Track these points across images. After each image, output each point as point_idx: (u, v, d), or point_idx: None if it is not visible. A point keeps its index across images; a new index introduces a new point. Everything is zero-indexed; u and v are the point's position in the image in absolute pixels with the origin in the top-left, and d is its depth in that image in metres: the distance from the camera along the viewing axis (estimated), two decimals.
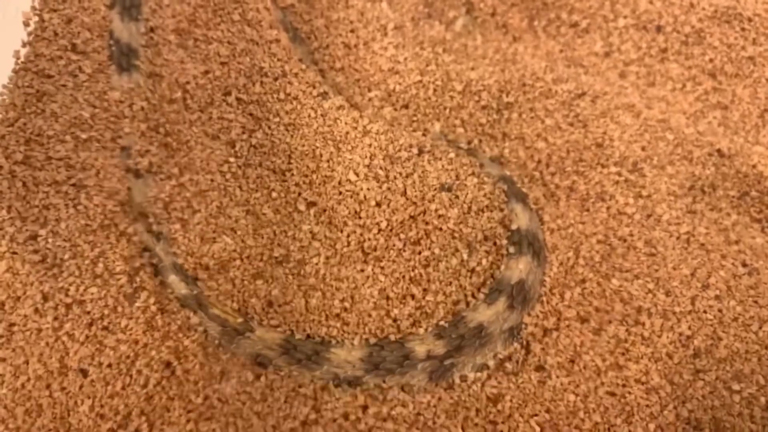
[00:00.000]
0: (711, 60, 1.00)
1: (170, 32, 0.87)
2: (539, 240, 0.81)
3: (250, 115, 0.88)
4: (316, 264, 0.79)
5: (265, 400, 0.70)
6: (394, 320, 0.75)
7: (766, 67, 0.98)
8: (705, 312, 0.76)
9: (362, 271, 0.79)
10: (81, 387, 0.68)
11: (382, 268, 0.78)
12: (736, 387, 0.71)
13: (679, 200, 0.85)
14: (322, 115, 0.88)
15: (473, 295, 0.76)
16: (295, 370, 0.72)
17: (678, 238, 0.82)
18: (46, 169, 0.77)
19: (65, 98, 0.79)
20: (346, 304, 0.76)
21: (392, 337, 0.74)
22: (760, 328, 0.75)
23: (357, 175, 0.84)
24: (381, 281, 0.78)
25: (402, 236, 0.80)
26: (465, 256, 0.78)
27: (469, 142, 0.93)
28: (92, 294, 0.72)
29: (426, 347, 0.73)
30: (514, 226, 0.80)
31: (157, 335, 0.72)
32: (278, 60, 0.90)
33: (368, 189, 0.83)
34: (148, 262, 0.76)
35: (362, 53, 1.00)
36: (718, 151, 0.90)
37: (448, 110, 0.95)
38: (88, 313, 0.71)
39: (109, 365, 0.69)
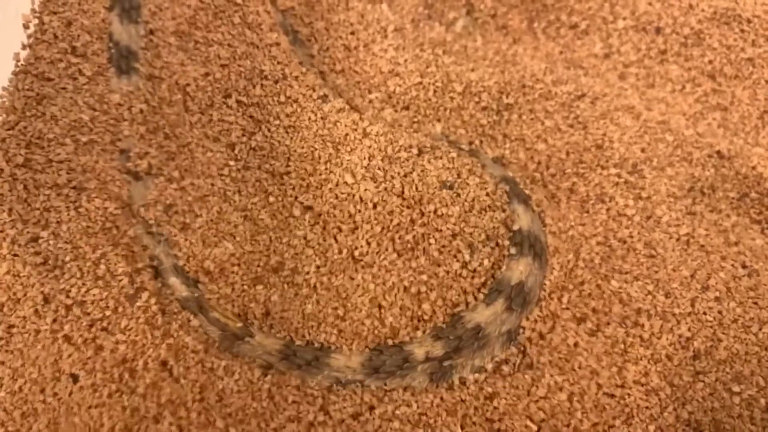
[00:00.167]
0: (710, 61, 1.00)
1: (170, 34, 0.87)
2: (541, 242, 0.81)
3: (251, 117, 0.88)
4: (308, 273, 0.79)
5: (272, 398, 0.71)
6: (391, 328, 0.75)
7: (766, 68, 0.98)
8: (705, 313, 0.76)
9: (352, 279, 0.78)
10: (71, 393, 0.68)
11: (374, 276, 0.78)
12: (736, 389, 0.71)
13: (678, 202, 0.85)
14: (322, 118, 0.88)
15: (474, 296, 0.77)
16: (295, 375, 0.72)
17: (678, 239, 0.82)
18: (46, 171, 0.77)
19: (65, 101, 0.80)
20: (340, 313, 0.76)
21: (390, 342, 0.75)
22: (760, 329, 0.75)
23: (354, 176, 0.83)
24: (372, 290, 0.77)
25: (399, 241, 0.79)
26: (467, 257, 0.78)
27: (470, 143, 0.93)
28: (93, 295, 0.72)
29: (424, 349, 0.73)
30: (515, 227, 0.80)
31: (158, 333, 0.72)
32: (278, 63, 0.90)
33: (365, 190, 0.82)
34: (149, 264, 0.76)
35: (362, 55, 1.00)
36: (718, 152, 0.90)
37: (448, 111, 0.96)
38: (88, 314, 0.71)
39: (103, 371, 0.69)
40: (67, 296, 0.71)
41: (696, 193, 0.87)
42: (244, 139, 0.87)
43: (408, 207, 0.81)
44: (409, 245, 0.79)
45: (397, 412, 0.71)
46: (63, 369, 0.69)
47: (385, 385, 0.72)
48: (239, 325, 0.74)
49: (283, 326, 0.76)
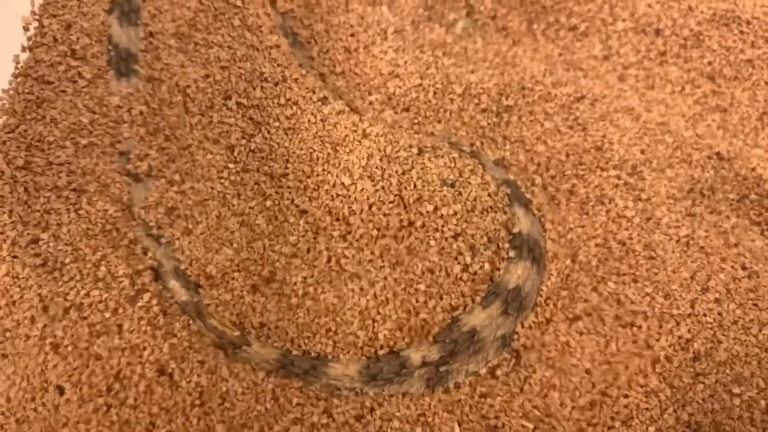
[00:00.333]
0: (710, 63, 1.00)
1: (170, 37, 0.87)
2: (540, 246, 0.81)
3: (250, 119, 0.88)
4: (295, 284, 0.79)
5: (277, 400, 0.71)
6: (385, 340, 0.75)
7: (765, 70, 0.98)
8: (705, 315, 0.76)
9: (340, 292, 0.78)
10: (57, 406, 0.68)
11: (363, 289, 0.78)
12: (736, 390, 0.71)
13: (678, 203, 0.85)
14: (321, 120, 0.88)
15: (471, 299, 0.76)
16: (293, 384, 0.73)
17: (677, 241, 0.82)
18: (46, 174, 0.77)
19: (65, 104, 0.80)
20: (331, 326, 0.76)
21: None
22: (760, 331, 0.75)
23: (351, 176, 0.83)
24: (363, 304, 0.77)
25: (394, 246, 0.79)
26: (468, 259, 0.77)
27: (471, 145, 0.93)
28: (93, 297, 0.72)
29: (421, 354, 0.73)
30: (515, 230, 0.80)
31: (159, 333, 0.72)
32: (278, 65, 0.90)
33: (361, 190, 0.82)
34: (150, 266, 0.77)
35: (362, 57, 1.00)
36: (717, 154, 0.90)
37: (448, 113, 0.96)
38: (85, 318, 0.71)
39: (89, 384, 0.69)
40: (65, 299, 0.71)
41: (696, 194, 0.87)
42: (244, 141, 0.87)
43: (405, 206, 0.81)
44: (405, 250, 0.79)
45: (397, 413, 0.72)
46: (50, 380, 0.69)
47: (383, 392, 0.72)
48: (236, 333, 0.74)
49: (279, 336, 0.76)
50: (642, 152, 0.89)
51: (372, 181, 0.82)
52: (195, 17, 0.89)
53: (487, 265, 0.77)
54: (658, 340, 0.74)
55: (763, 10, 1.01)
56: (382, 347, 0.74)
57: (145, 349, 0.71)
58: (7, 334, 0.70)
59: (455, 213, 0.79)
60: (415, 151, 0.84)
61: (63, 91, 0.80)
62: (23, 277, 0.71)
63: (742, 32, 1.01)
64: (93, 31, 0.84)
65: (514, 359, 0.76)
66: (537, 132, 0.92)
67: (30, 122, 0.78)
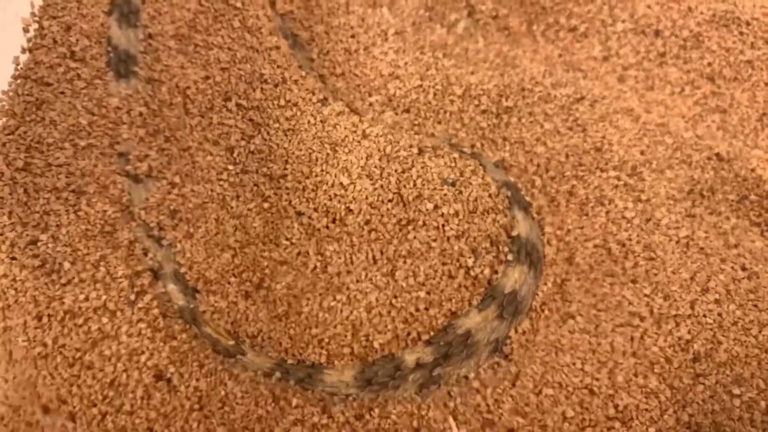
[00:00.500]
0: (709, 64, 1.01)
1: (170, 38, 0.87)
2: (538, 251, 0.80)
3: (250, 120, 0.88)
4: (281, 291, 0.79)
5: (277, 402, 0.71)
6: (380, 349, 0.75)
7: (765, 70, 0.98)
8: (704, 316, 0.76)
9: (326, 303, 0.77)
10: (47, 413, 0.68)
11: (351, 299, 0.77)
12: (736, 391, 0.71)
13: (678, 204, 0.85)
14: (321, 121, 0.88)
15: (469, 303, 0.76)
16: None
17: (677, 242, 0.82)
18: (46, 175, 0.77)
19: (64, 106, 0.80)
20: (323, 338, 0.76)
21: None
22: (760, 331, 0.75)
23: (350, 176, 0.83)
24: (354, 315, 0.76)
25: (394, 247, 0.79)
26: (470, 262, 0.77)
27: (472, 146, 0.93)
28: (91, 300, 0.72)
29: (415, 356, 0.73)
30: (514, 233, 0.80)
31: (159, 336, 0.72)
32: (278, 67, 0.91)
33: (360, 190, 0.82)
34: (149, 267, 0.77)
35: (363, 58, 1.00)
36: (717, 155, 0.90)
37: (448, 114, 0.96)
38: (80, 326, 0.71)
39: (80, 396, 0.69)
40: (62, 303, 0.71)
41: (695, 195, 0.87)
42: (243, 142, 0.87)
43: (404, 204, 0.81)
44: (406, 252, 0.78)
45: (394, 410, 0.72)
46: (41, 393, 0.69)
47: (378, 397, 0.72)
48: (231, 342, 0.74)
49: (273, 346, 0.76)
50: (642, 153, 0.89)
51: (371, 179, 0.82)
52: (195, 19, 0.89)
53: (487, 270, 0.77)
54: (656, 341, 0.74)
55: (762, 11, 1.01)
56: (376, 352, 0.74)
57: (143, 353, 0.71)
58: (3, 338, 0.71)
59: (456, 213, 0.79)
60: (415, 151, 0.84)
61: (62, 93, 0.80)
62: (20, 280, 0.71)
63: (741, 33, 1.01)
64: (92, 33, 0.84)
65: (509, 356, 0.76)
66: (537, 133, 0.92)
67: (29, 124, 0.78)
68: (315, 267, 0.80)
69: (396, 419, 0.71)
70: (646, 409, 0.71)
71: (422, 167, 0.82)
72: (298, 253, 0.81)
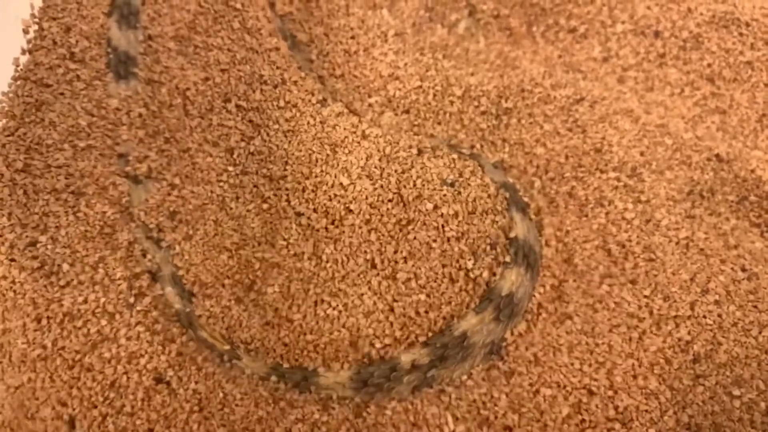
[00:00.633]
0: (709, 65, 1.00)
1: (169, 39, 0.87)
2: (534, 252, 0.80)
3: (250, 122, 0.88)
4: (272, 294, 0.79)
5: (277, 402, 0.71)
6: (377, 352, 0.75)
7: (764, 71, 0.98)
8: (704, 317, 0.76)
9: (318, 309, 0.77)
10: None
11: (346, 305, 0.77)
12: (736, 392, 0.71)
13: (678, 205, 0.85)
14: (321, 122, 0.88)
15: (468, 305, 0.76)
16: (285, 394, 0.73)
17: (677, 243, 0.82)
18: (45, 176, 0.77)
19: (63, 107, 0.80)
20: (318, 344, 0.75)
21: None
22: (760, 332, 0.75)
23: (350, 176, 0.83)
24: (351, 321, 0.76)
25: (393, 249, 0.79)
26: (470, 264, 0.77)
27: (472, 147, 0.93)
28: (90, 303, 0.72)
29: (411, 357, 0.72)
30: (511, 235, 0.79)
31: (158, 339, 0.72)
32: (278, 68, 0.91)
33: (360, 190, 0.81)
34: (148, 269, 0.76)
35: (362, 59, 1.00)
36: (717, 155, 0.90)
37: (448, 115, 0.96)
38: (79, 328, 0.71)
39: (80, 398, 0.69)
40: (60, 305, 0.71)
41: (695, 196, 0.87)
42: (243, 143, 0.87)
43: (404, 204, 0.80)
44: (407, 253, 0.78)
45: (390, 407, 0.72)
46: (41, 395, 0.69)
47: (373, 399, 0.72)
48: (226, 347, 0.74)
49: (267, 352, 0.75)
50: (641, 154, 0.89)
51: (371, 180, 0.82)
52: (194, 20, 0.89)
53: (486, 272, 0.77)
54: (656, 342, 0.74)
55: (762, 12, 1.01)
56: (373, 357, 0.74)
57: (142, 356, 0.70)
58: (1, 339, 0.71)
59: (456, 213, 0.79)
60: (414, 151, 0.84)
61: (62, 94, 0.80)
62: (19, 282, 0.71)
63: (741, 34, 1.01)
64: (92, 34, 0.84)
65: (505, 358, 0.76)
66: (536, 134, 0.92)
67: (29, 125, 0.78)
68: (310, 270, 0.79)
69: (393, 415, 0.71)
70: (646, 410, 0.71)
71: (422, 168, 0.82)
72: (294, 254, 0.81)
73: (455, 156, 0.85)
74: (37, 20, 0.83)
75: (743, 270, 0.79)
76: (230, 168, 0.85)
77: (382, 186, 0.81)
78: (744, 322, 0.75)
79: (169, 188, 0.81)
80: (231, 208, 0.83)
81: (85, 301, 0.72)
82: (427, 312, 0.75)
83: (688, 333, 0.75)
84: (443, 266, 0.77)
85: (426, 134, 0.94)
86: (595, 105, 0.94)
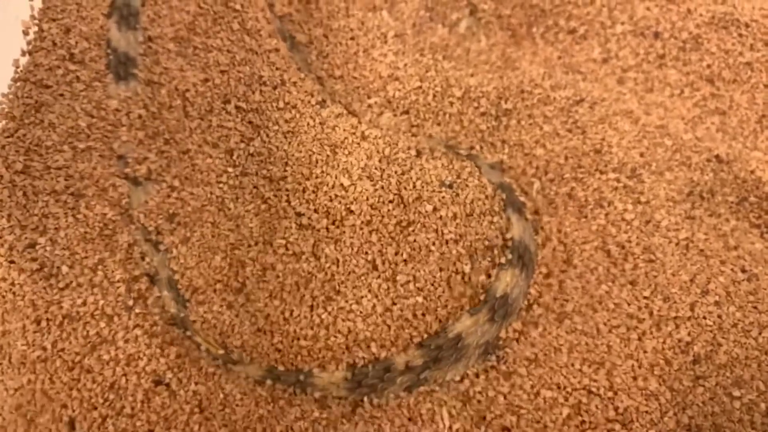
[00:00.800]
0: (709, 66, 1.00)
1: (169, 40, 0.87)
2: (530, 252, 0.80)
3: (249, 123, 0.88)
4: (264, 300, 0.78)
5: (276, 402, 0.71)
6: (371, 354, 0.75)
7: (764, 72, 0.98)
8: (704, 318, 0.76)
9: (326, 312, 0.77)
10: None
11: (344, 308, 0.77)
12: (736, 393, 0.71)
13: (677, 206, 0.85)
14: (320, 123, 0.88)
15: (463, 308, 0.76)
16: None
17: (677, 244, 0.82)
18: (45, 178, 0.77)
19: (63, 108, 0.80)
20: (313, 349, 0.75)
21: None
22: (760, 333, 0.75)
23: (350, 177, 0.83)
24: (346, 326, 0.76)
25: (393, 251, 0.79)
26: (467, 269, 0.77)
27: (471, 148, 0.93)
28: (89, 306, 0.72)
29: (405, 358, 0.73)
30: (508, 236, 0.80)
31: (157, 341, 0.72)
32: (277, 69, 0.91)
33: (361, 191, 0.82)
34: (147, 272, 0.76)
35: (362, 60, 1.00)
36: (717, 156, 0.90)
37: (447, 116, 0.96)
38: (77, 330, 0.71)
39: (79, 399, 0.69)
40: (60, 307, 0.71)
41: (695, 197, 0.87)
42: (243, 144, 0.87)
43: (405, 206, 0.81)
44: (407, 255, 0.79)
45: (387, 405, 0.73)
46: (40, 397, 0.69)
47: (365, 399, 0.73)
48: (221, 352, 0.74)
49: (261, 357, 0.75)
50: (641, 155, 0.89)
51: (371, 181, 0.82)
52: (194, 21, 0.89)
53: (483, 276, 0.77)
54: (656, 343, 0.74)
55: (761, 13, 1.01)
56: (368, 358, 0.74)
57: (141, 358, 0.70)
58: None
59: (454, 215, 0.79)
60: (413, 153, 0.85)
61: (61, 95, 0.80)
62: (18, 284, 0.71)
63: (740, 35, 1.01)
64: (92, 35, 0.84)
65: (503, 357, 0.76)
66: (536, 135, 0.92)
67: (29, 126, 0.78)
68: (308, 271, 0.79)
69: (389, 410, 0.72)
70: (646, 411, 0.71)
71: (420, 169, 0.82)
72: (293, 254, 0.81)
73: (453, 157, 0.85)
74: (36, 21, 0.83)
75: (743, 271, 0.79)
76: (230, 169, 0.85)
77: (382, 187, 0.81)
78: (744, 323, 0.75)
79: (169, 190, 0.81)
80: (229, 209, 0.83)
81: (84, 304, 0.72)
82: (423, 315, 0.75)
83: (688, 334, 0.75)
84: (440, 270, 0.77)
85: (425, 135, 0.94)
86: (594, 106, 0.94)
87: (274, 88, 0.90)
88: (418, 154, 0.84)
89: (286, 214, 0.83)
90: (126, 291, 0.73)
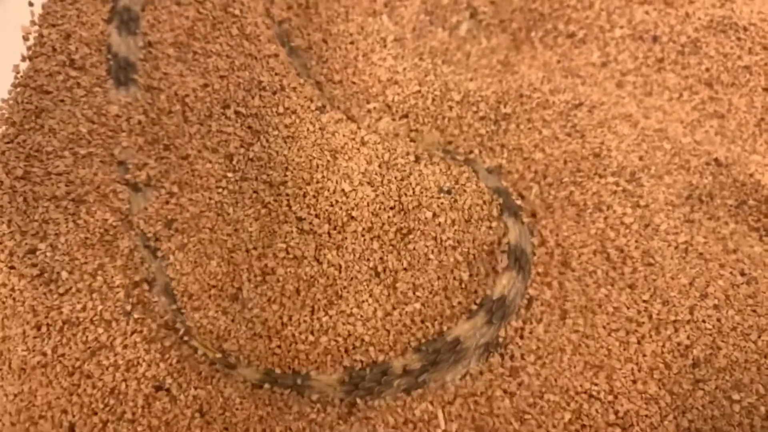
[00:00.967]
0: (707, 69, 1.01)
1: (169, 46, 0.87)
2: (526, 254, 0.81)
3: (249, 128, 0.88)
4: (261, 305, 0.78)
5: (275, 403, 0.71)
6: (369, 358, 0.75)
7: (762, 76, 0.99)
8: (704, 321, 0.76)
9: (326, 315, 0.77)
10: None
11: (343, 312, 0.77)
12: (735, 396, 0.71)
13: (676, 209, 0.85)
14: (320, 129, 0.88)
15: (461, 313, 0.77)
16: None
17: (676, 247, 0.82)
18: (45, 184, 0.77)
19: (63, 114, 0.80)
20: (311, 352, 0.76)
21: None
22: (759, 337, 0.75)
23: (352, 182, 0.83)
24: (346, 330, 0.76)
25: (394, 259, 0.79)
26: (465, 276, 0.78)
27: (470, 152, 0.93)
28: (88, 311, 0.72)
29: (403, 362, 0.73)
30: (504, 240, 0.80)
31: (156, 347, 0.72)
32: (276, 74, 0.91)
33: (362, 197, 0.82)
34: (146, 278, 0.76)
35: (361, 65, 1.00)
36: (716, 160, 0.90)
37: (446, 120, 0.96)
38: (76, 336, 0.71)
39: (80, 404, 0.69)
40: (60, 313, 0.71)
41: (694, 200, 0.87)
42: (242, 150, 0.87)
43: (405, 213, 0.81)
44: (406, 263, 0.79)
45: (384, 403, 0.73)
46: (41, 402, 0.69)
47: (359, 401, 0.73)
48: (218, 356, 0.74)
49: (259, 360, 0.76)
50: (640, 159, 0.89)
51: (372, 186, 0.82)
52: (193, 26, 0.89)
53: (481, 282, 0.78)
54: (655, 347, 0.74)
55: (759, 17, 1.02)
56: (365, 362, 0.75)
57: (140, 364, 0.71)
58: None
59: (453, 222, 0.79)
60: (411, 158, 0.85)
61: (62, 101, 0.80)
62: (19, 289, 0.71)
63: (739, 39, 1.01)
64: (92, 41, 0.84)
65: (504, 354, 0.76)
66: (535, 139, 0.92)
67: (29, 132, 0.78)
68: (309, 275, 0.79)
69: (386, 409, 0.72)
70: (646, 415, 0.71)
71: (419, 175, 0.83)
72: (293, 257, 0.81)
73: (451, 162, 0.85)
74: (37, 27, 0.83)
75: (742, 274, 0.79)
76: (229, 174, 0.85)
77: (383, 193, 0.82)
78: (743, 327, 0.75)
79: (168, 196, 0.81)
80: (228, 214, 0.83)
81: (84, 309, 0.72)
82: (422, 321, 0.75)
83: (688, 337, 0.75)
84: (438, 278, 0.77)
85: (423, 140, 0.94)
86: (593, 110, 0.94)
87: (274, 93, 0.90)
88: (417, 159, 0.85)
89: (287, 218, 0.83)
90: (125, 296, 0.73)
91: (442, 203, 0.81)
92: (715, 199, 0.88)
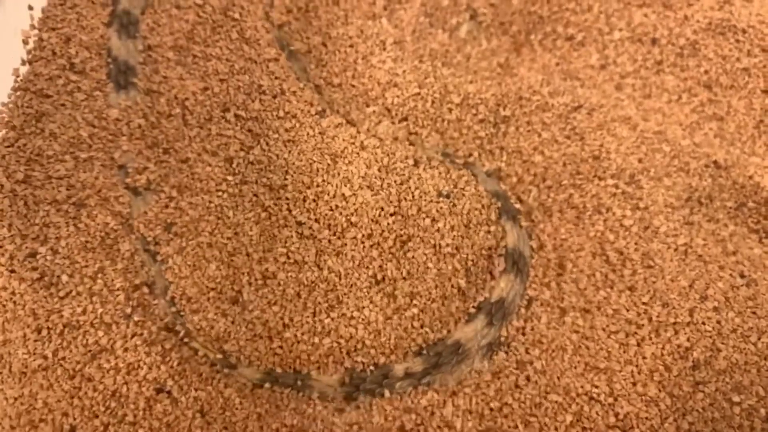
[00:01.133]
0: (706, 72, 1.01)
1: (168, 49, 0.87)
2: (524, 257, 0.81)
3: (249, 131, 0.88)
4: (261, 308, 0.79)
5: (274, 402, 0.71)
6: (369, 360, 0.75)
7: (761, 78, 0.99)
8: (703, 323, 0.76)
9: (327, 317, 0.77)
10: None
11: (344, 314, 0.77)
12: (736, 399, 0.71)
13: (676, 212, 0.86)
14: (320, 133, 0.88)
15: (460, 319, 0.77)
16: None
17: (675, 249, 0.82)
18: (46, 188, 0.77)
19: (63, 118, 0.80)
20: (312, 353, 0.76)
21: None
22: (759, 339, 0.75)
23: (352, 186, 0.83)
24: (348, 332, 0.76)
25: (393, 269, 0.79)
26: (462, 283, 0.78)
27: (469, 155, 0.93)
28: (89, 314, 0.72)
29: (404, 365, 0.73)
30: (503, 244, 0.80)
31: (157, 350, 0.72)
32: (276, 78, 0.91)
33: (362, 202, 0.82)
34: (146, 281, 0.77)
35: (361, 68, 1.00)
36: (715, 162, 0.90)
37: (446, 123, 0.96)
38: (76, 339, 0.71)
39: (81, 407, 0.69)
40: (60, 316, 0.71)
41: (693, 203, 0.87)
42: (242, 153, 0.87)
43: (405, 218, 0.81)
44: (405, 272, 0.79)
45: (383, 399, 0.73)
46: (42, 405, 0.69)
47: (363, 402, 0.73)
48: (219, 356, 0.74)
49: (259, 360, 0.76)
50: (639, 161, 0.89)
51: (372, 191, 0.82)
52: (193, 30, 0.89)
53: (479, 289, 0.78)
54: (655, 349, 0.74)
55: (758, 19, 1.02)
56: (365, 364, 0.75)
57: (140, 367, 0.71)
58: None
59: (452, 227, 0.80)
60: (411, 162, 0.85)
61: (62, 105, 0.81)
62: (19, 293, 0.71)
63: (737, 41, 1.01)
64: (92, 45, 0.84)
65: (507, 352, 0.77)
66: (534, 142, 0.93)
67: (29, 136, 0.79)
68: (310, 279, 0.80)
69: (387, 403, 0.72)
70: (647, 417, 0.71)
71: (418, 179, 0.83)
72: (294, 262, 0.81)
73: (450, 166, 0.85)
74: (36, 31, 0.84)
75: (742, 276, 0.79)
76: (229, 177, 0.85)
77: (383, 198, 0.82)
78: (743, 329, 0.76)
79: (167, 200, 0.81)
80: (228, 217, 0.83)
81: (84, 312, 0.72)
82: (422, 326, 0.76)
83: (688, 339, 0.75)
84: (437, 286, 0.78)
85: (422, 143, 0.94)
86: (593, 112, 0.94)
87: (274, 97, 0.90)
88: (416, 163, 0.85)
89: (287, 222, 0.83)
90: (125, 299, 0.74)
91: (441, 208, 0.81)
92: (715, 202, 0.88)
